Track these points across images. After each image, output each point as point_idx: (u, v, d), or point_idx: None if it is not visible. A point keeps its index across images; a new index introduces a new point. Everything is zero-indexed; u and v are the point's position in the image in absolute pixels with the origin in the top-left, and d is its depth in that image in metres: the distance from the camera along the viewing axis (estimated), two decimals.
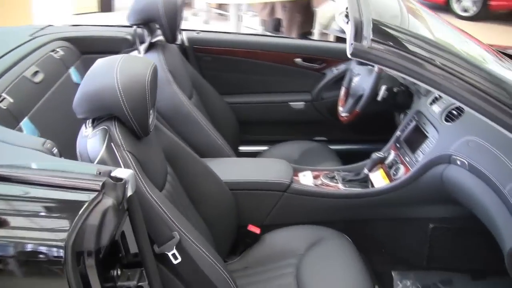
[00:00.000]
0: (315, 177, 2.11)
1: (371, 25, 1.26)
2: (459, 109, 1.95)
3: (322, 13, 5.25)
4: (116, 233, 1.09)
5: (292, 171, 2.07)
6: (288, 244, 1.88)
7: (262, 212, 1.99)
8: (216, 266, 1.43)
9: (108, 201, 1.05)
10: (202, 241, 1.45)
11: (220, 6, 7.83)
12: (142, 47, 2.17)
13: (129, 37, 2.42)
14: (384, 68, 1.26)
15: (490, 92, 1.27)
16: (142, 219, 1.18)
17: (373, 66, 2.28)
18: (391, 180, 2.05)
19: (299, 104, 2.78)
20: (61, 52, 2.14)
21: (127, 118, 1.32)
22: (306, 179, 2.09)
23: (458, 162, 1.80)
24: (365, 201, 2.04)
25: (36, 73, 1.88)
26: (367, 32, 1.24)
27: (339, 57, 2.75)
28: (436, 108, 2.05)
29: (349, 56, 1.27)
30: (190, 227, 1.44)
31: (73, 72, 2.14)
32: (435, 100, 2.11)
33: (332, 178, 2.11)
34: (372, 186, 2.07)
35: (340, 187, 2.07)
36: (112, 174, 1.11)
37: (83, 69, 2.16)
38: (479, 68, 1.52)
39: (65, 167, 1.21)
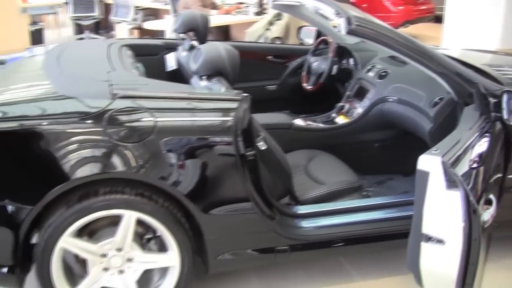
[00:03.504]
0: (304, 121, 3.35)
1: (355, 17, 2.48)
2: (385, 72, 3.30)
3: (251, 33, 6.58)
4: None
5: (291, 117, 3.29)
6: (295, 160, 3.04)
7: (278, 142, 3.18)
8: (282, 153, 2.59)
9: (245, 105, 2.23)
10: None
11: None
12: (187, 47, 3.27)
13: (162, 43, 3.52)
14: (363, 39, 2.48)
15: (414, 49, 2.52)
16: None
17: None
18: (350, 119, 3.35)
19: (273, 87, 4.01)
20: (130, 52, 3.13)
21: (229, 73, 2.47)
22: (299, 122, 3.31)
23: (391, 99, 3.12)
24: (336, 132, 3.29)
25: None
26: (354, 20, 2.45)
27: (295, 54, 4.04)
28: (371, 74, 3.37)
29: (345, 34, 2.47)
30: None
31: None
32: (368, 70, 3.45)
33: (314, 121, 3.37)
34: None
35: (321, 125, 3.33)
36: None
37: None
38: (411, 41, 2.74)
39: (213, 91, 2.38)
